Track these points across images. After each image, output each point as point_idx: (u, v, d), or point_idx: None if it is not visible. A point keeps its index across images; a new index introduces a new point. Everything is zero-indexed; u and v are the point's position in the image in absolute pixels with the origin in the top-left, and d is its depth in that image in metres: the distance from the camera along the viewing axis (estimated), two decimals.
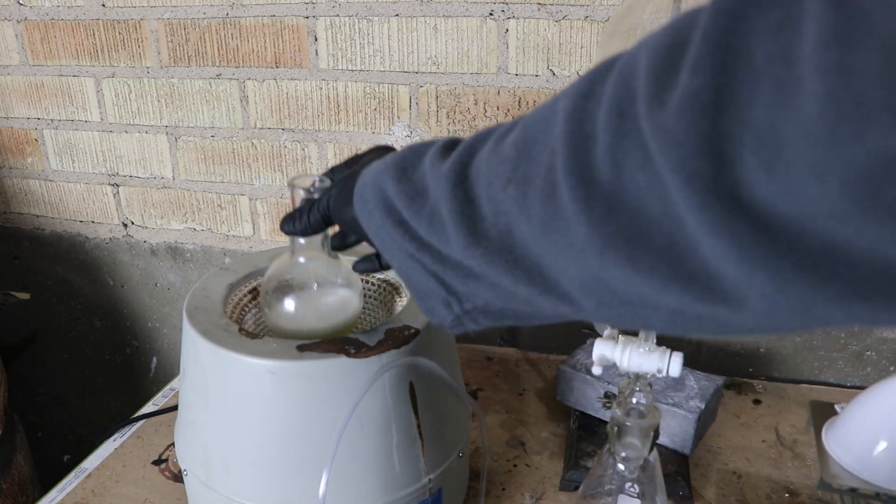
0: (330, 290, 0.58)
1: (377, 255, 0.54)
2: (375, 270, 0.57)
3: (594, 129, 0.26)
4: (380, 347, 0.54)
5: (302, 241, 0.55)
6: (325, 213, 0.49)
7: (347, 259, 0.58)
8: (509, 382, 0.90)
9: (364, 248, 0.53)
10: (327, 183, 0.51)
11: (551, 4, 0.85)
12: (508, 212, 0.31)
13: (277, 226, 1.18)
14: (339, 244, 0.56)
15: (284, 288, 0.57)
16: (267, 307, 0.58)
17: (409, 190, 0.37)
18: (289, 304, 0.57)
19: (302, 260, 0.57)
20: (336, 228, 0.54)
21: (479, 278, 0.34)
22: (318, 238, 0.55)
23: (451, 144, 0.37)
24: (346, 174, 0.49)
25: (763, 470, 0.74)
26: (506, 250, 0.31)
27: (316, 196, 0.50)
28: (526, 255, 0.31)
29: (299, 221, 0.51)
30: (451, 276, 0.36)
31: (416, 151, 0.39)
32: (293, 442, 0.55)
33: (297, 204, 0.52)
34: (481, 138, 0.34)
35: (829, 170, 0.19)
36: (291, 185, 0.52)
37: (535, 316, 0.35)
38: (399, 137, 0.96)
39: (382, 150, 0.49)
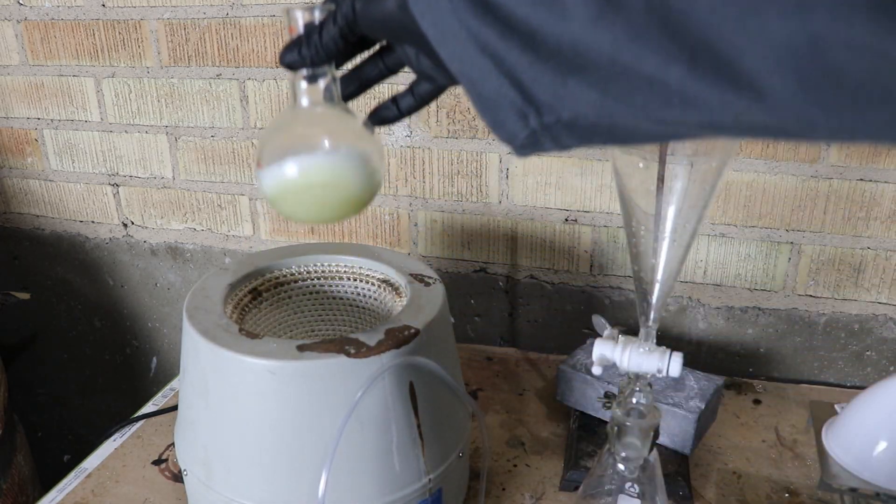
0: (344, 147, 0.45)
1: (395, 100, 0.46)
2: (396, 118, 0.46)
3: None
4: (380, 347, 0.54)
5: (304, 84, 0.43)
6: (347, 20, 0.38)
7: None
8: (509, 382, 0.90)
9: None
10: (332, 7, 0.40)
11: None
12: None
13: (277, 226, 1.18)
14: (352, 84, 0.45)
15: (285, 147, 0.44)
16: (263, 177, 0.44)
17: None
18: (290, 168, 0.43)
19: (306, 109, 0.44)
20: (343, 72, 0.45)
21: (589, 70, 0.27)
22: (321, 85, 0.43)
23: None
24: None
25: (763, 470, 0.74)
26: (657, 21, 0.24)
27: (319, 20, 0.40)
28: (689, 24, 0.24)
29: (307, 46, 0.40)
30: (539, 73, 0.28)
31: None
32: (293, 442, 0.55)
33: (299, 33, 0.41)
34: None
35: None
36: (289, 12, 0.42)
37: (643, 131, 0.28)
38: (399, 137, 0.96)
39: None
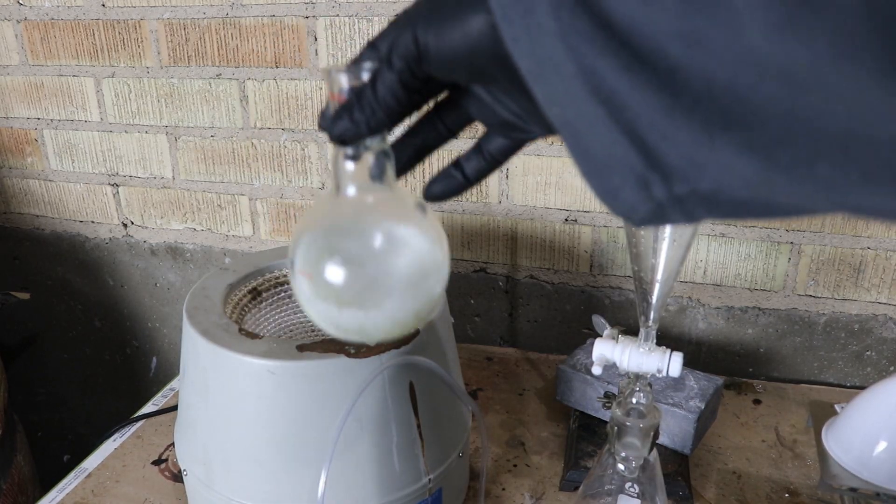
0: (403, 242, 0.35)
1: (458, 164, 0.36)
2: (461, 188, 0.36)
3: None
4: (380, 347, 0.54)
5: (349, 165, 0.34)
6: (408, 59, 0.29)
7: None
8: (509, 382, 0.90)
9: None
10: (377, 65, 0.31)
11: None
12: None
13: (277, 226, 1.18)
14: (405, 155, 0.36)
15: (329, 252, 0.34)
16: (301, 288, 0.35)
17: None
18: (334, 273, 0.33)
19: (352, 199, 0.34)
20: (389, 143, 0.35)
21: (753, 125, 0.19)
22: (369, 161, 0.34)
23: None
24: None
25: (763, 470, 0.74)
26: (883, 28, 0.16)
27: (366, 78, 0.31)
28: None
29: (359, 108, 0.30)
30: (674, 127, 0.20)
31: None
32: (293, 442, 0.55)
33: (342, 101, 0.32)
34: None
35: None
36: (330, 73, 0.32)
37: (813, 210, 0.21)
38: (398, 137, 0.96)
39: None
